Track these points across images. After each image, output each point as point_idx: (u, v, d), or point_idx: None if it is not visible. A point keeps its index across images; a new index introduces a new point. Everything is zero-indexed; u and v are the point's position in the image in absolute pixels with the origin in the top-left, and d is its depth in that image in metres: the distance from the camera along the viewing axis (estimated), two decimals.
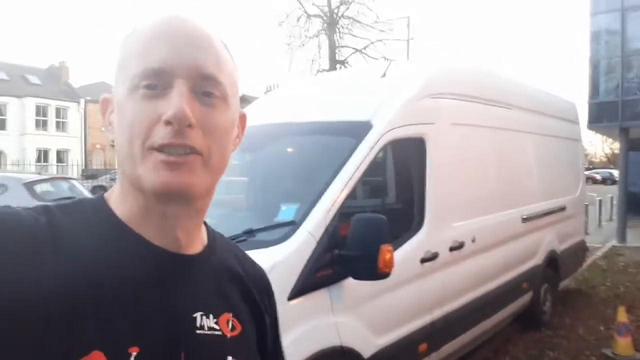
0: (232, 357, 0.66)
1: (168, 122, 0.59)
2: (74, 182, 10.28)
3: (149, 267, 0.62)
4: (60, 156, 31.14)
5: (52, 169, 27.78)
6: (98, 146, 31.95)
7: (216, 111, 0.63)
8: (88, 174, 21.69)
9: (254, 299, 0.74)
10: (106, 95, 0.68)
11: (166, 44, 0.61)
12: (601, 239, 11.17)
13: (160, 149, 0.59)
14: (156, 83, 0.60)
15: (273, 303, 0.80)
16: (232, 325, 0.68)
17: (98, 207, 0.66)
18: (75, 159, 29.70)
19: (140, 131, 0.60)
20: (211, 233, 0.74)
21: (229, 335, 0.67)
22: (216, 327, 0.66)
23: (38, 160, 28.92)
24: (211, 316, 0.66)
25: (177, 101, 0.59)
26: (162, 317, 0.61)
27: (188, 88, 0.60)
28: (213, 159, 0.63)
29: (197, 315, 0.65)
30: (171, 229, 0.65)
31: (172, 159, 0.59)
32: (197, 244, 0.69)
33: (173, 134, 0.59)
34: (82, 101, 32.37)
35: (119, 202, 0.65)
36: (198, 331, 0.64)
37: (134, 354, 0.57)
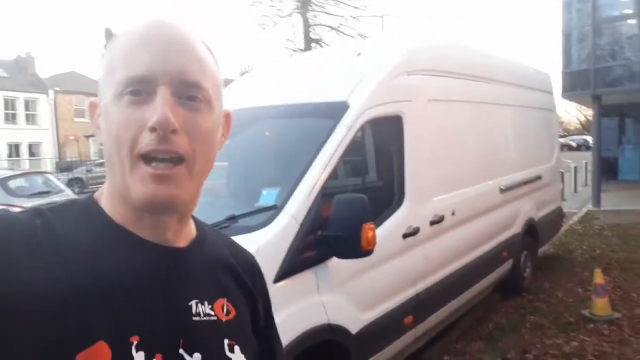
0: (229, 340, 0.70)
1: (152, 129, 0.61)
2: (49, 175, 10.08)
3: (145, 261, 0.65)
4: (33, 149, 30.33)
5: (25, 163, 27.10)
6: (71, 137, 31.17)
7: (200, 115, 0.65)
8: (63, 167, 21.20)
9: (245, 283, 0.78)
10: (93, 99, 0.70)
11: (149, 51, 0.63)
12: (577, 205, 11.48)
13: (146, 157, 0.62)
14: (140, 89, 0.62)
15: (264, 285, 0.84)
16: (227, 310, 0.72)
17: (89, 208, 0.68)
18: (48, 151, 28.99)
19: (127, 138, 0.62)
20: (199, 225, 0.77)
21: (224, 319, 0.71)
22: (211, 312, 0.69)
23: (9, 155, 28.14)
24: (206, 303, 0.69)
25: (160, 108, 0.61)
26: (160, 307, 0.64)
27: (171, 94, 0.63)
28: (197, 164, 0.65)
29: (193, 303, 0.68)
30: (161, 231, 0.68)
31: (159, 172, 0.62)
32: (187, 237, 0.73)
33: (158, 140, 0.61)
34: (51, 92, 31.44)
35: (109, 205, 0.68)
36: (194, 318, 0.67)
37: (135, 342, 0.60)
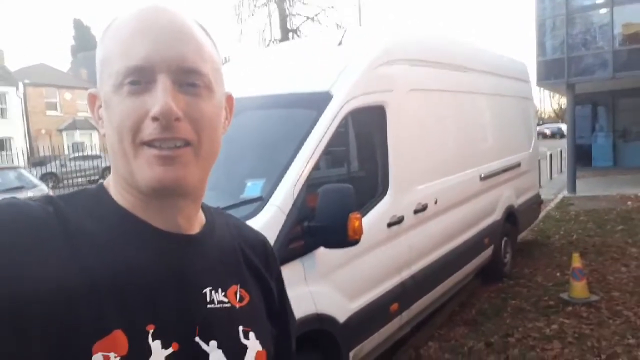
0: (243, 327, 0.70)
1: (155, 119, 0.60)
2: (22, 170, 9.81)
3: (157, 249, 0.65)
4: (3, 144, 29.42)
5: None
6: (43, 131, 30.34)
7: (201, 100, 0.64)
8: (35, 161, 20.62)
9: (257, 266, 0.78)
10: (92, 90, 0.69)
11: (146, 40, 0.62)
12: (553, 191, 11.75)
13: (150, 143, 0.61)
14: (139, 79, 0.61)
15: (277, 266, 0.83)
16: (240, 296, 0.72)
17: (99, 196, 0.68)
18: (20, 146, 28.14)
19: (130, 127, 0.61)
20: (208, 211, 0.76)
21: (237, 306, 0.71)
22: (225, 299, 0.69)
23: None
24: (220, 290, 0.69)
25: (161, 97, 0.60)
26: (174, 295, 0.64)
27: (172, 81, 0.62)
28: (203, 148, 0.65)
29: (207, 290, 0.68)
30: (171, 217, 0.67)
31: (165, 153, 0.62)
32: (197, 224, 0.72)
33: (161, 129, 0.61)
34: (21, 85, 30.48)
35: (117, 194, 0.67)
36: (209, 306, 0.67)
37: (151, 331, 0.60)
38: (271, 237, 2.41)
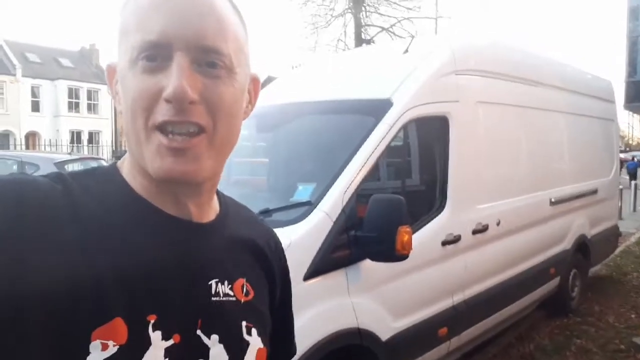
0: (246, 322, 0.68)
1: (168, 101, 0.57)
2: (102, 162, 10.53)
3: (165, 236, 0.62)
4: (92, 137, 31.90)
5: (84, 149, 28.54)
6: None
7: (221, 83, 0.60)
8: (118, 155, 22.25)
9: (265, 260, 0.75)
10: (110, 63, 0.66)
11: (163, 14, 0.58)
12: (636, 225, 10.77)
13: (162, 127, 0.58)
14: (156, 54, 0.58)
15: (284, 261, 0.81)
16: (246, 291, 0.69)
17: (111, 177, 0.65)
18: (107, 140, 30.40)
19: (142, 107, 0.58)
20: (223, 200, 0.74)
21: (242, 300, 0.68)
22: (231, 292, 0.67)
23: (71, 141, 29.69)
24: (226, 282, 0.67)
25: (176, 78, 0.56)
26: (179, 285, 0.61)
27: (189, 60, 0.58)
28: (218, 136, 0.61)
29: (212, 282, 0.65)
30: (183, 203, 0.65)
31: (175, 145, 0.58)
32: (210, 213, 0.69)
33: (174, 111, 0.57)
34: None
35: (130, 175, 0.65)
36: (213, 298, 0.65)
37: (152, 321, 0.57)
38: (316, 243, 2.36)
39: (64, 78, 30.83)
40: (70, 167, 9.09)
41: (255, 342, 0.68)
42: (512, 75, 3.90)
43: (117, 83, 0.64)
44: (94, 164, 10.05)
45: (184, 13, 0.58)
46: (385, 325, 2.65)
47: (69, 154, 12.38)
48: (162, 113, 0.58)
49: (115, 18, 0.64)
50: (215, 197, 0.72)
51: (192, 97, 0.57)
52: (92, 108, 32.44)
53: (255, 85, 0.70)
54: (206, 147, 0.60)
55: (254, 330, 0.68)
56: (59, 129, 29.83)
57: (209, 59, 0.59)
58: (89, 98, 32.27)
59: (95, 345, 0.54)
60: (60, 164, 8.79)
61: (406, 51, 3.34)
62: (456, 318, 3.17)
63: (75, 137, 31.02)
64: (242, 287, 0.69)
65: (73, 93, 31.51)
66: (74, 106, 31.51)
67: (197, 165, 0.60)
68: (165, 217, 0.63)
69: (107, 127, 32.64)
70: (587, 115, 5.26)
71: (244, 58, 0.64)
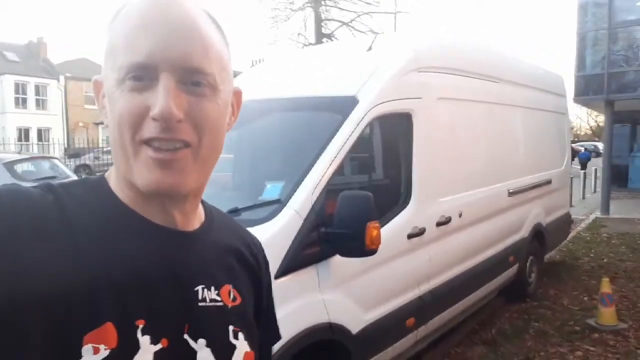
0: (233, 327, 0.70)
1: (155, 119, 0.60)
2: (56, 161, 10.08)
3: (153, 244, 0.65)
4: (42, 135, 30.47)
5: (33, 148, 27.23)
6: (81, 124, 31.29)
7: (205, 100, 0.63)
8: (71, 153, 21.31)
9: (250, 266, 0.78)
10: (97, 77, 0.68)
11: (150, 36, 0.60)
12: (585, 211, 11.35)
13: (149, 142, 0.61)
14: (143, 75, 0.60)
15: (267, 267, 0.84)
16: (233, 296, 0.72)
17: (100, 188, 0.68)
18: (57, 137, 29.11)
19: (130, 123, 0.60)
20: (208, 209, 0.77)
21: (230, 305, 0.71)
22: (218, 298, 0.69)
23: (19, 139, 28.26)
24: (213, 288, 0.69)
25: (162, 98, 0.59)
26: (167, 291, 0.64)
27: (175, 81, 0.61)
28: (203, 150, 0.64)
29: (199, 288, 0.67)
30: (169, 213, 0.67)
31: (162, 156, 0.61)
32: (195, 221, 0.72)
33: (161, 129, 0.60)
34: (62, 78, 31.54)
35: (117, 187, 0.67)
36: (200, 304, 0.67)
37: (141, 326, 0.60)
38: (287, 241, 2.37)
39: (10, 73, 29.30)
40: (20, 167, 8.65)
41: (242, 345, 0.70)
42: (471, 71, 4.02)
43: (103, 97, 0.66)
44: (45, 163, 9.64)
45: (170, 35, 0.60)
46: (356, 319, 2.70)
47: (19, 152, 11.79)
48: (149, 130, 0.60)
49: (103, 32, 0.66)
50: (200, 206, 0.74)
51: (179, 116, 0.60)
52: (40, 104, 30.98)
53: (238, 98, 0.73)
54: (191, 160, 0.63)
55: (240, 335, 0.70)
56: (5, 126, 28.35)
57: (194, 79, 0.62)
58: (37, 93, 30.80)
59: (87, 349, 0.56)
60: (10, 164, 8.36)
61: (369, 49, 3.38)
62: (422, 308, 3.26)
63: (23, 134, 29.56)
64: (229, 292, 0.71)
65: (20, 88, 30.01)
66: (20, 102, 30.02)
67: (182, 177, 0.63)
68: (153, 226, 0.66)
69: (57, 123, 31.25)
70: (542, 109, 5.49)
71: (227, 75, 0.67)
